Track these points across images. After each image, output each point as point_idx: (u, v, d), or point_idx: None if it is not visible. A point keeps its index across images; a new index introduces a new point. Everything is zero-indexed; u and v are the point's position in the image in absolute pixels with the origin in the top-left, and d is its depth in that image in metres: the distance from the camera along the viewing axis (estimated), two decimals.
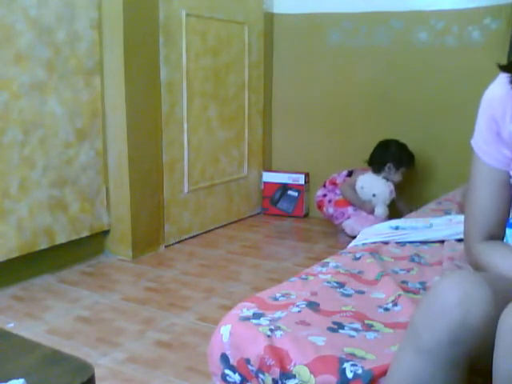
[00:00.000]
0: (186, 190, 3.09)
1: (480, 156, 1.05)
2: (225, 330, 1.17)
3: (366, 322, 1.19)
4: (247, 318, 1.19)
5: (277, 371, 1.06)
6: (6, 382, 0.79)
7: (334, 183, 3.26)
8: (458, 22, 3.11)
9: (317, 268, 1.52)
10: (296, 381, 1.04)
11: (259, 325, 1.15)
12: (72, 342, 1.94)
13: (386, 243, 1.78)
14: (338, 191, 3.23)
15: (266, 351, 1.08)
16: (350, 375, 1.00)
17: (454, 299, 0.83)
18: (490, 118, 1.02)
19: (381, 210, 3.07)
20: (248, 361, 1.11)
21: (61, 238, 2.57)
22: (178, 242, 3.06)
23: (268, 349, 1.08)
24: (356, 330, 1.15)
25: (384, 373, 0.96)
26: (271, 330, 1.12)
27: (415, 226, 1.87)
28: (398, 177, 3.19)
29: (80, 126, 2.60)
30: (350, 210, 3.13)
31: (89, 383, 0.83)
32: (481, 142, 1.05)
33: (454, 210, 2.19)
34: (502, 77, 1.01)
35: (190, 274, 2.61)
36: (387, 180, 3.17)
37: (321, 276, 1.45)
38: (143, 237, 2.85)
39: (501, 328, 0.80)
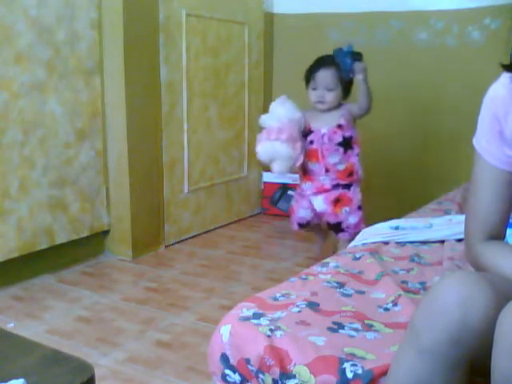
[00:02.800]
0: (185, 190, 3.09)
1: (482, 155, 1.04)
2: (225, 330, 1.17)
3: (366, 322, 1.19)
4: (247, 318, 1.19)
5: (277, 371, 1.06)
6: (6, 382, 0.79)
7: None
8: (458, 21, 3.11)
9: (317, 268, 1.53)
10: (296, 381, 1.04)
11: (259, 325, 1.15)
12: (72, 342, 1.94)
13: (386, 243, 1.78)
14: None
15: (266, 351, 1.08)
16: (350, 375, 1.00)
17: (454, 299, 0.83)
18: (493, 117, 1.02)
19: (277, 166, 2.47)
20: (248, 361, 1.11)
21: (61, 238, 2.57)
22: (178, 242, 3.06)
23: (268, 349, 1.08)
24: (356, 329, 1.15)
25: (384, 373, 0.96)
26: (271, 330, 1.12)
27: (415, 226, 1.87)
28: (313, 96, 2.49)
29: (80, 126, 2.60)
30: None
31: (89, 383, 0.84)
32: (483, 141, 1.04)
33: (454, 210, 2.19)
34: (505, 76, 1.01)
35: (189, 274, 2.61)
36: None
37: (321, 276, 1.45)
38: (143, 237, 2.85)
39: (499, 328, 0.80)
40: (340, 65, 2.43)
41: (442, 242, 1.78)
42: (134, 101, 2.71)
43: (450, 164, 3.18)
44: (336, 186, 2.50)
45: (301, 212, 2.59)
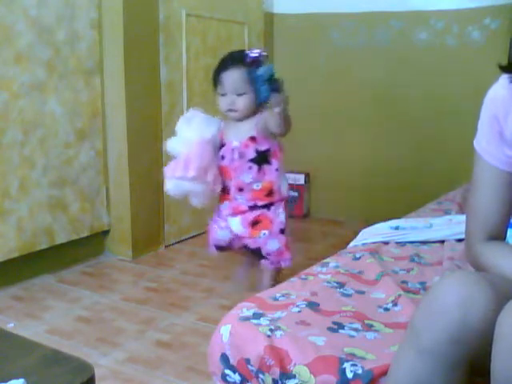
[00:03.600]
0: None
1: (482, 156, 1.05)
2: (225, 330, 1.17)
3: (366, 322, 1.19)
4: (247, 318, 1.19)
5: (277, 371, 1.06)
6: (6, 382, 0.79)
7: None
8: (458, 21, 3.11)
9: (317, 268, 1.52)
10: (296, 381, 1.04)
11: (259, 325, 1.15)
12: (72, 342, 1.94)
13: (386, 243, 1.78)
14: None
15: (266, 351, 1.08)
16: (350, 375, 1.00)
17: (454, 299, 0.83)
18: (493, 118, 1.02)
19: (196, 201, 2.16)
20: (248, 361, 1.11)
21: (61, 238, 2.57)
22: (178, 242, 3.06)
23: (268, 349, 1.08)
24: (356, 329, 1.15)
25: (384, 373, 0.96)
26: (271, 330, 1.12)
27: (415, 226, 1.87)
28: (223, 103, 2.07)
29: (80, 126, 2.60)
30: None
31: (89, 383, 0.84)
32: (483, 142, 1.05)
33: (454, 210, 2.19)
34: (504, 77, 1.02)
35: (189, 274, 2.61)
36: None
37: (321, 276, 1.45)
38: (143, 237, 2.85)
39: (498, 330, 0.80)
40: (254, 91, 2.03)
41: (442, 242, 1.78)
42: (133, 101, 2.71)
43: (451, 164, 3.18)
44: (253, 207, 2.10)
45: (219, 233, 2.18)
